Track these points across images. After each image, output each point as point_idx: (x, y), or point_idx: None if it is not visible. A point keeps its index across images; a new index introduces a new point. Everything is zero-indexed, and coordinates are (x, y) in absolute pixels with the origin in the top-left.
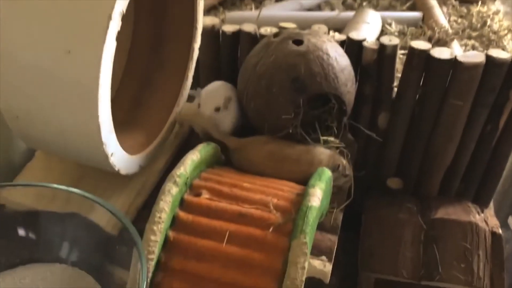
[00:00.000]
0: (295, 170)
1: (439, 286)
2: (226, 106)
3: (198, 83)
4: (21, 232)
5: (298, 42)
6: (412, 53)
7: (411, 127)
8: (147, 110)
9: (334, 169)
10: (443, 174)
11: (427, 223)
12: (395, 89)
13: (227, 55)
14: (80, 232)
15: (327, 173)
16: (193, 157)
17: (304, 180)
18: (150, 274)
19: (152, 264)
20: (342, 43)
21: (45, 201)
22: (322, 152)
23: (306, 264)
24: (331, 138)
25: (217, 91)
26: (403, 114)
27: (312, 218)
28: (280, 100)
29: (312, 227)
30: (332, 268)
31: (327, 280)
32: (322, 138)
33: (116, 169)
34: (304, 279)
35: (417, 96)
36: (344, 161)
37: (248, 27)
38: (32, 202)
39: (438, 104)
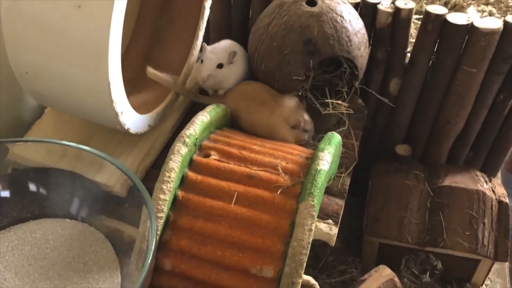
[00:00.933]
0: (260, 111)
1: (443, 253)
2: (231, 61)
3: (208, 42)
4: (32, 187)
5: (312, 2)
6: (428, 17)
7: (423, 94)
8: (157, 69)
9: (296, 125)
10: (452, 142)
11: (434, 190)
12: (408, 55)
13: (238, 15)
14: (90, 189)
15: (337, 137)
16: (202, 118)
17: (267, 126)
18: (159, 232)
19: (161, 222)
20: (356, 6)
21: (55, 158)
22: (287, 106)
23: (313, 226)
24: (340, 102)
25: (221, 48)
26: (415, 81)
27: (320, 182)
28: (291, 62)
29: (320, 190)
30: (338, 231)
31: (332, 243)
32: (330, 101)
33: (126, 127)
34: (310, 240)
35: (430, 62)
36: (306, 117)
37: None
38: (42, 159)
39: (451, 71)
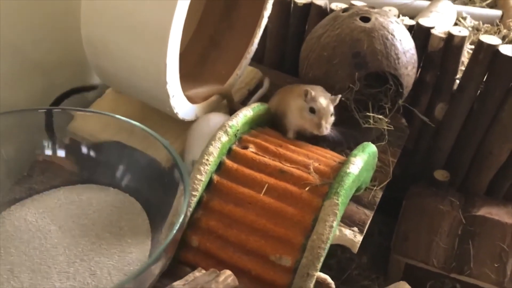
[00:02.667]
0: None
1: (468, 282)
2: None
3: (264, 49)
4: (85, 154)
5: (365, 19)
6: (480, 46)
7: (468, 121)
8: (212, 68)
9: (304, 95)
10: (493, 174)
11: (467, 219)
12: (457, 81)
13: (295, 26)
14: (137, 163)
15: (372, 147)
16: (246, 113)
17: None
18: (191, 209)
19: (194, 200)
20: (410, 28)
21: (111, 132)
22: (309, 86)
23: (335, 224)
24: (381, 117)
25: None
26: (462, 107)
27: (348, 183)
28: (339, 73)
29: (346, 192)
30: (365, 246)
31: (355, 249)
32: (372, 115)
33: (175, 111)
34: (330, 237)
35: (479, 91)
36: (323, 101)
37: (320, 1)
38: (99, 132)
39: (499, 102)
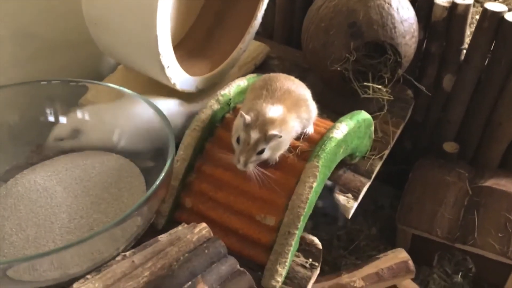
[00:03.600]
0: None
1: (472, 252)
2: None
3: (273, 24)
4: None
5: None
6: (484, 14)
7: (476, 92)
8: (216, 43)
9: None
10: (505, 147)
11: (474, 190)
12: (464, 52)
13: (302, 0)
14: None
15: (363, 115)
16: (239, 83)
17: None
18: (182, 171)
19: (186, 164)
20: None
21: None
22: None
23: (314, 185)
24: (380, 87)
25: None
26: (469, 78)
27: (329, 147)
28: (335, 43)
29: (327, 155)
30: (375, 219)
31: (348, 215)
32: (371, 85)
33: (172, 82)
34: (310, 197)
35: (486, 61)
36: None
37: None
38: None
39: (506, 72)
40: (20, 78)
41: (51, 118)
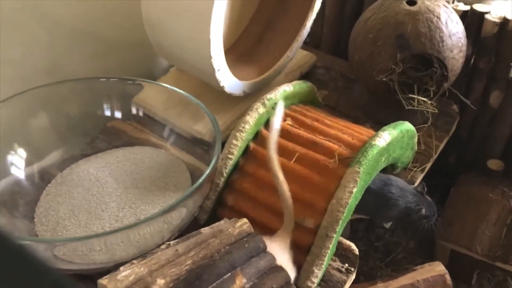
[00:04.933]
0: None
1: None
2: None
3: (321, 35)
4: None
5: (412, 3)
6: None
7: None
8: (265, 49)
9: None
10: None
11: None
12: None
13: (351, 11)
14: (185, 133)
15: (406, 126)
16: (285, 88)
17: None
18: (227, 171)
19: (231, 163)
20: (465, 14)
21: (170, 105)
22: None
23: (354, 190)
24: (425, 99)
25: None
26: None
27: (371, 154)
28: (382, 54)
29: (369, 162)
30: (413, 233)
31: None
32: (416, 97)
33: (221, 84)
34: (349, 202)
35: None
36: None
37: None
38: (160, 105)
39: None
40: (82, 73)
41: (108, 112)
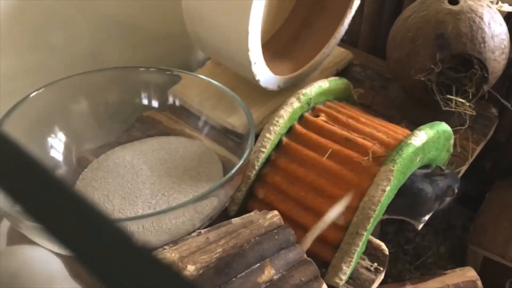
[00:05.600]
0: None
1: None
2: None
3: (359, 33)
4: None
5: (454, 2)
6: None
7: None
8: (302, 46)
9: None
10: None
11: None
12: None
13: (390, 9)
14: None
15: (443, 126)
16: (321, 84)
17: None
18: (259, 164)
19: (262, 156)
20: (509, 15)
21: (205, 97)
22: None
23: (387, 189)
24: (463, 101)
25: None
26: None
27: (406, 153)
28: (420, 53)
29: (404, 161)
30: (446, 238)
31: (418, 226)
32: (454, 98)
33: (257, 78)
34: (382, 200)
35: None
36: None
37: None
38: (195, 96)
39: None
40: (122, 63)
41: (145, 101)
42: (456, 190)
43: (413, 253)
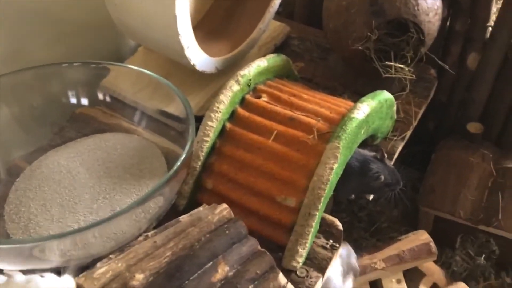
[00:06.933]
0: None
1: (496, 234)
2: None
3: (294, 5)
4: (116, 107)
5: None
6: None
7: (502, 71)
8: (236, 23)
9: None
10: None
11: (498, 171)
12: (489, 29)
13: None
14: (156, 115)
15: (384, 95)
16: (259, 63)
17: None
18: (204, 154)
19: (206, 146)
20: None
21: (139, 87)
22: None
23: (335, 166)
24: (402, 66)
25: None
26: (495, 56)
27: (350, 128)
28: (356, 21)
29: (348, 136)
30: (397, 201)
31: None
32: (393, 64)
33: (192, 62)
34: (330, 178)
35: None
36: None
37: None
38: (129, 87)
39: None
40: (46, 60)
41: (73, 100)
42: (382, 180)
43: (367, 220)
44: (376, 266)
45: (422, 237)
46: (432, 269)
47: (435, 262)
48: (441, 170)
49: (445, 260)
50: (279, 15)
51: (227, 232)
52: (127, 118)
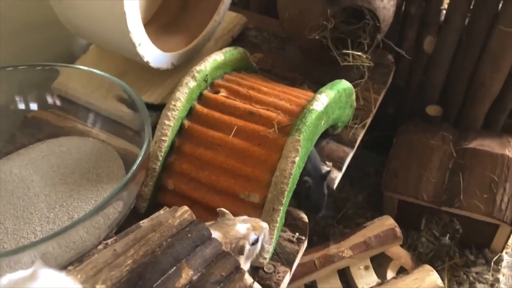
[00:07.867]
0: None
1: (458, 214)
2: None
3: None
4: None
5: None
6: None
7: (458, 53)
8: (190, 16)
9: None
10: (488, 107)
11: (458, 152)
12: (444, 12)
13: None
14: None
15: (343, 84)
16: (216, 57)
17: None
18: (162, 154)
19: (165, 145)
20: None
21: (92, 88)
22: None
23: (297, 159)
24: (360, 54)
25: None
26: (450, 39)
27: (310, 120)
28: (312, 11)
29: (308, 128)
30: (361, 186)
31: (332, 185)
32: (350, 52)
33: (145, 60)
34: (293, 172)
35: (466, 20)
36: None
37: None
38: (82, 88)
39: (487, 31)
40: None
41: (21, 106)
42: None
43: (334, 207)
44: (343, 255)
45: (387, 222)
46: (399, 253)
47: (401, 245)
48: (403, 154)
49: (411, 242)
50: (234, 6)
51: (189, 235)
52: (81, 120)
